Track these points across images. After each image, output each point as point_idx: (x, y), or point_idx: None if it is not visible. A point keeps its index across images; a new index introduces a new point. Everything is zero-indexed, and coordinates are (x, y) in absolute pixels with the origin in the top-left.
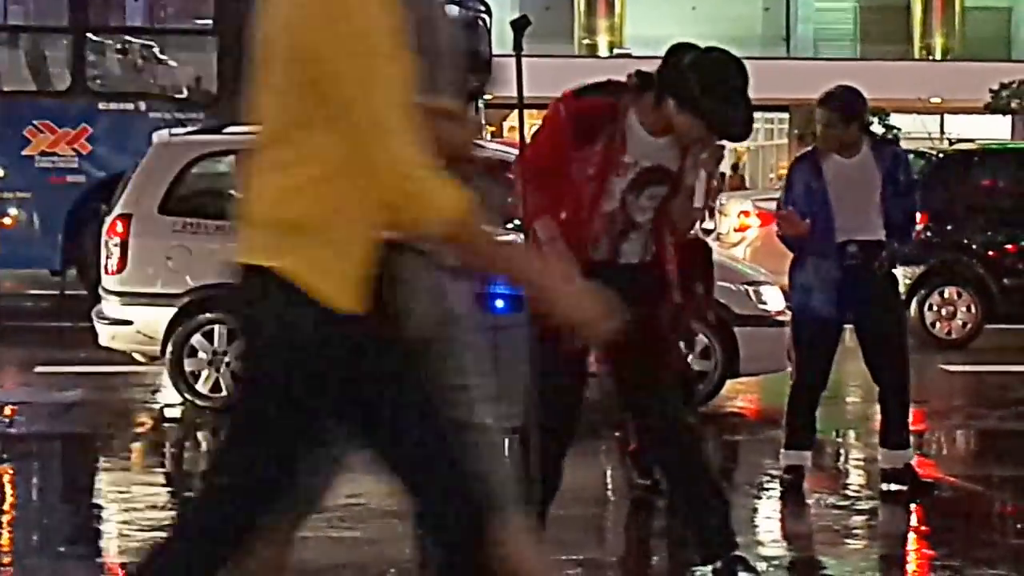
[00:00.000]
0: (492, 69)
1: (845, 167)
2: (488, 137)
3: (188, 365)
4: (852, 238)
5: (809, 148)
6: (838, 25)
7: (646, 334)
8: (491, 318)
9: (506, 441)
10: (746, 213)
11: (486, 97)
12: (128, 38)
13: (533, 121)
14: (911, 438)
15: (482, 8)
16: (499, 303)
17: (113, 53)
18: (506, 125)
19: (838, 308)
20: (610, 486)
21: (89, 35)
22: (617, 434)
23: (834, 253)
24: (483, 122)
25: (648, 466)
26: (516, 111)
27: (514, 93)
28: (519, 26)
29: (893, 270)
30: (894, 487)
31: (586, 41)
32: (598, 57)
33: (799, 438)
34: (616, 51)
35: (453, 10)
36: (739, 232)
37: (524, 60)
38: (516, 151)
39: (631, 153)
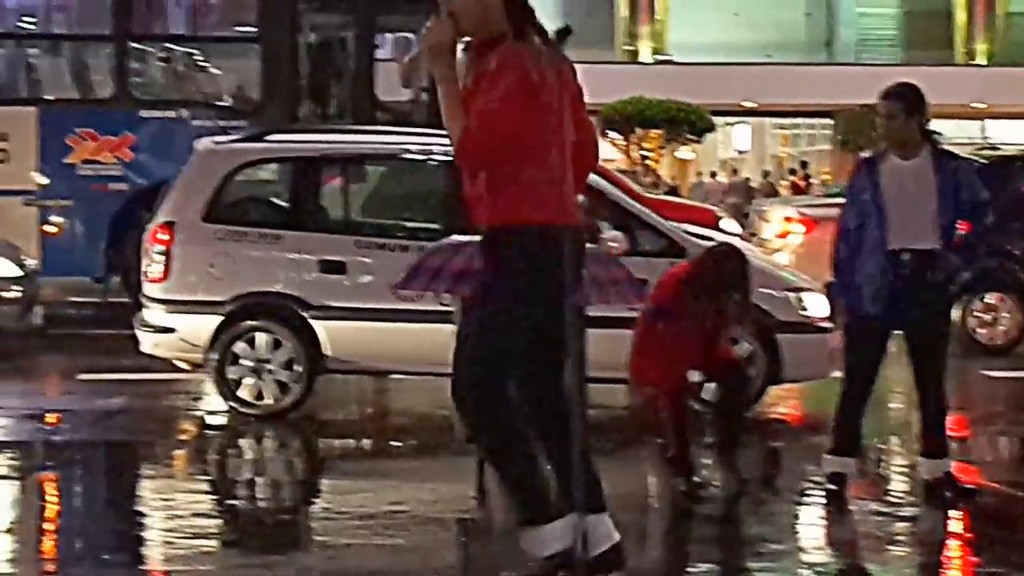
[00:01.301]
0: None
1: (902, 171)
2: None
3: (231, 372)
4: (905, 247)
5: (869, 153)
6: (880, 30)
7: None
8: None
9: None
10: (789, 219)
11: None
12: (171, 46)
13: None
14: (950, 446)
15: None
16: None
17: (156, 61)
18: None
19: (888, 315)
20: (651, 493)
21: (132, 43)
22: (658, 440)
23: (886, 260)
24: None
25: (691, 471)
26: None
27: None
28: (562, 35)
29: (946, 281)
30: (938, 494)
31: (628, 48)
32: (640, 64)
33: (845, 444)
34: (658, 58)
35: None
36: (781, 238)
37: None
38: None
39: None
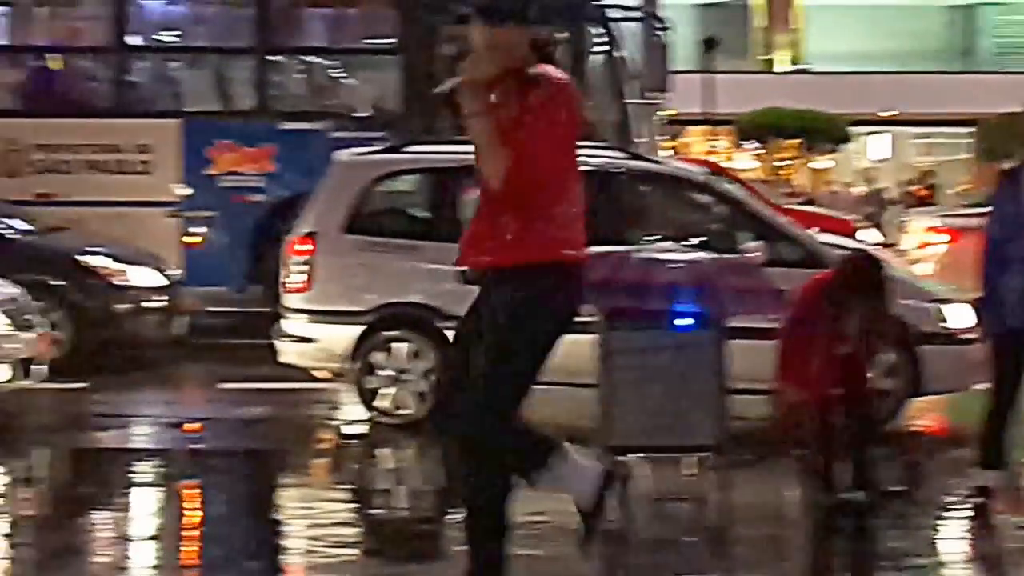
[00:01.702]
0: (670, 86)
1: None
2: (665, 154)
3: (370, 382)
4: None
5: (1011, 164)
6: (1022, 38)
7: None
8: (676, 336)
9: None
10: (934, 229)
11: (665, 112)
12: (310, 58)
13: (711, 138)
14: None
15: (662, 25)
16: (684, 321)
17: (296, 73)
18: (683, 141)
19: None
20: (791, 505)
21: (272, 55)
22: (800, 452)
23: None
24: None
25: (833, 484)
26: (697, 127)
27: (690, 109)
28: (709, 46)
29: None
30: None
31: (764, 57)
32: (775, 73)
33: (991, 457)
34: (794, 67)
35: (633, 27)
36: (922, 249)
37: (699, 76)
38: (702, 169)
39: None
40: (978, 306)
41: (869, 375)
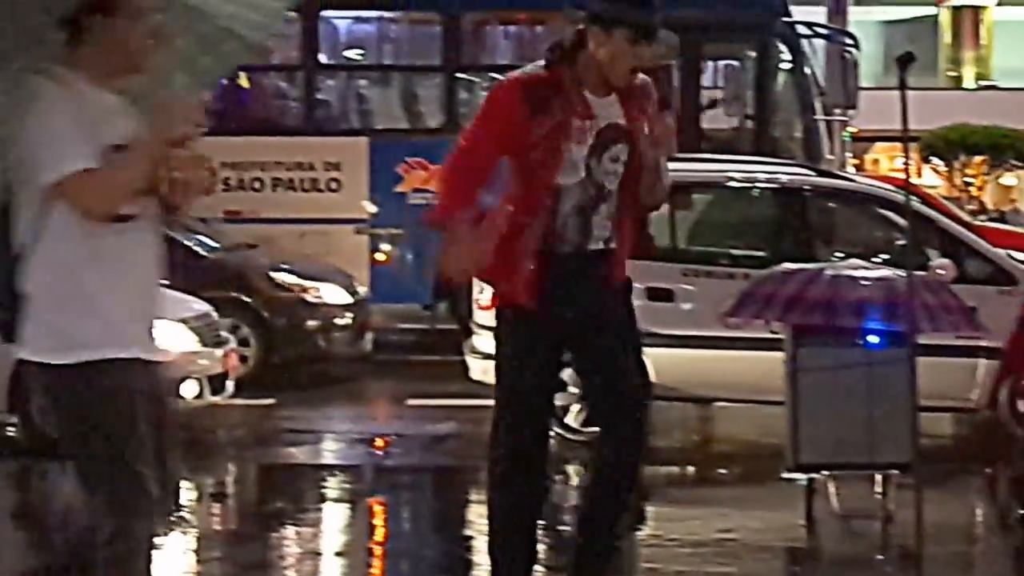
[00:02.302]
0: (857, 102)
1: None
2: (852, 171)
3: (559, 399)
4: None
5: None
6: None
7: (602, 324)
8: (865, 353)
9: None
10: None
11: (850, 130)
12: (497, 75)
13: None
14: None
15: (850, 42)
16: (874, 339)
17: (483, 90)
18: (868, 158)
19: None
20: (983, 523)
21: (460, 73)
22: (988, 470)
23: None
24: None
25: None
26: (896, 144)
27: (873, 125)
28: (905, 62)
29: None
30: None
31: (951, 73)
32: (963, 89)
33: None
34: (982, 83)
35: (821, 43)
36: None
37: (885, 93)
38: (894, 187)
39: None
40: None
41: None
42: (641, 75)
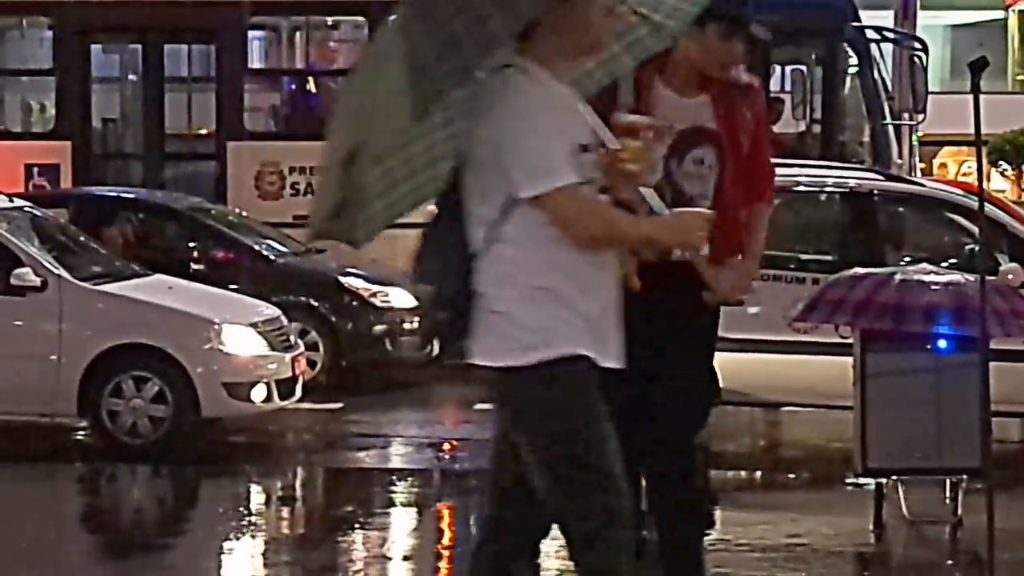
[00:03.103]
0: (926, 107)
1: None
2: (920, 175)
3: None
4: None
5: None
6: None
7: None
8: (935, 358)
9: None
10: None
11: (919, 134)
12: None
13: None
14: None
15: (918, 46)
16: (943, 343)
17: None
18: (935, 163)
19: None
20: None
21: None
22: None
23: None
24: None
25: None
26: (964, 148)
27: (945, 130)
28: (977, 67)
29: None
30: None
31: (1020, 77)
32: None
33: None
34: None
35: (889, 48)
36: None
37: (953, 98)
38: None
39: (661, 116)
40: None
41: None
42: (746, 76)
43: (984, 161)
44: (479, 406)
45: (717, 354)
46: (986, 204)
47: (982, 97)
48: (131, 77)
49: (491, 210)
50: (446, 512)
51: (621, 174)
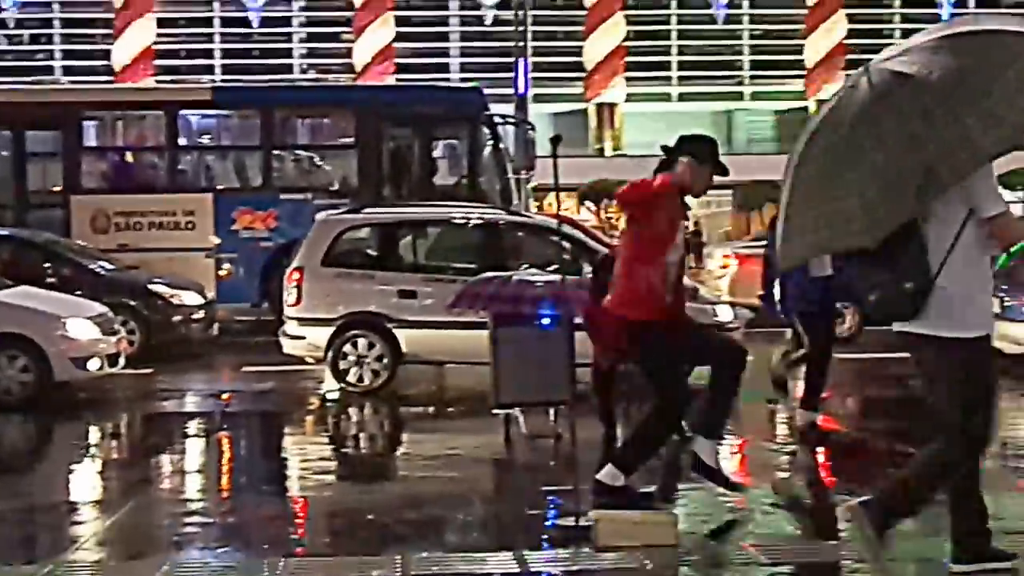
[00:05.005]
0: (535, 166)
1: None
2: (532, 211)
3: (341, 364)
4: None
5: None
6: (762, 131)
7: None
8: (540, 330)
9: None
10: (727, 256)
11: (532, 184)
12: (299, 152)
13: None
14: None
15: (530, 126)
16: (545, 320)
17: (290, 162)
18: (545, 203)
19: None
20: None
21: (274, 151)
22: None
23: None
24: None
25: None
26: (565, 192)
27: (550, 181)
28: (555, 141)
29: None
30: None
31: (596, 146)
32: (604, 156)
33: None
34: (616, 152)
35: (511, 128)
36: (723, 269)
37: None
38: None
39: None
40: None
41: None
42: None
43: (572, 200)
44: (245, 368)
45: (402, 330)
46: (570, 228)
47: (571, 161)
48: (3, 153)
49: (954, 218)
50: (225, 440)
51: None
